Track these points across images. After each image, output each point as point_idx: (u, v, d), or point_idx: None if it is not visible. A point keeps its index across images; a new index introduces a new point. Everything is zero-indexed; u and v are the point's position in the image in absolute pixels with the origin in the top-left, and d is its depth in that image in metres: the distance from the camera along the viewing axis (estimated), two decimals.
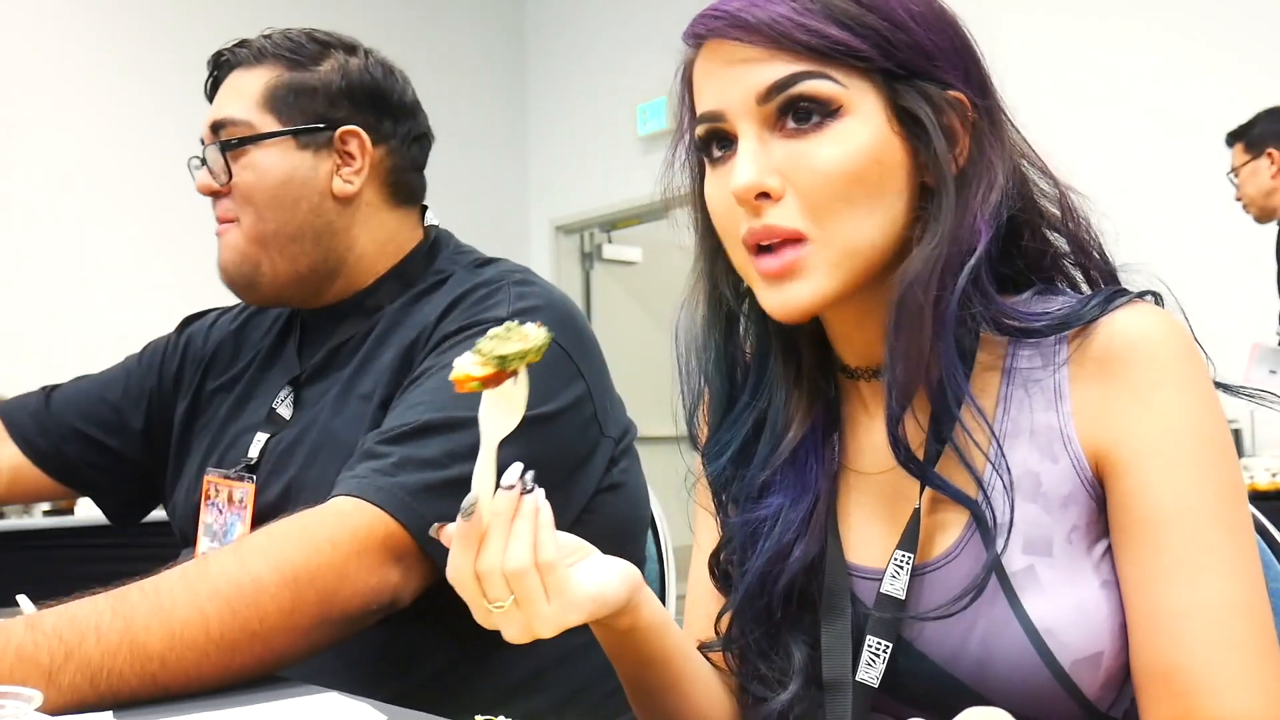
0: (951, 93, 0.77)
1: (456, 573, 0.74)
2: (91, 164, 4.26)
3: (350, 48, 1.25)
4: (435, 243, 1.27)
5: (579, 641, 0.90)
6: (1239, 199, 3.05)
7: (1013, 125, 0.82)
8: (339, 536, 0.94)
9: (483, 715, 0.71)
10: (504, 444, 1.02)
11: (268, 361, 1.30)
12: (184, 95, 4.39)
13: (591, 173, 5.42)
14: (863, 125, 0.75)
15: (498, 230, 5.28)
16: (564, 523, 1.12)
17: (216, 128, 1.20)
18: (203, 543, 1.22)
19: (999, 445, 0.77)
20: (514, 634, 0.75)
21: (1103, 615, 0.74)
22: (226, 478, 1.20)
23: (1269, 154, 2.97)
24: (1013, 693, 0.75)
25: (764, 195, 0.76)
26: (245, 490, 1.17)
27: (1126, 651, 0.75)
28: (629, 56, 5.18)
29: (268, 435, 1.20)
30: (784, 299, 0.77)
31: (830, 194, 0.75)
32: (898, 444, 0.78)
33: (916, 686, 0.79)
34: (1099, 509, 0.76)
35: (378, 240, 1.24)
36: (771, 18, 0.75)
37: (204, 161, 1.21)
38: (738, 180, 0.76)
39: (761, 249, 0.77)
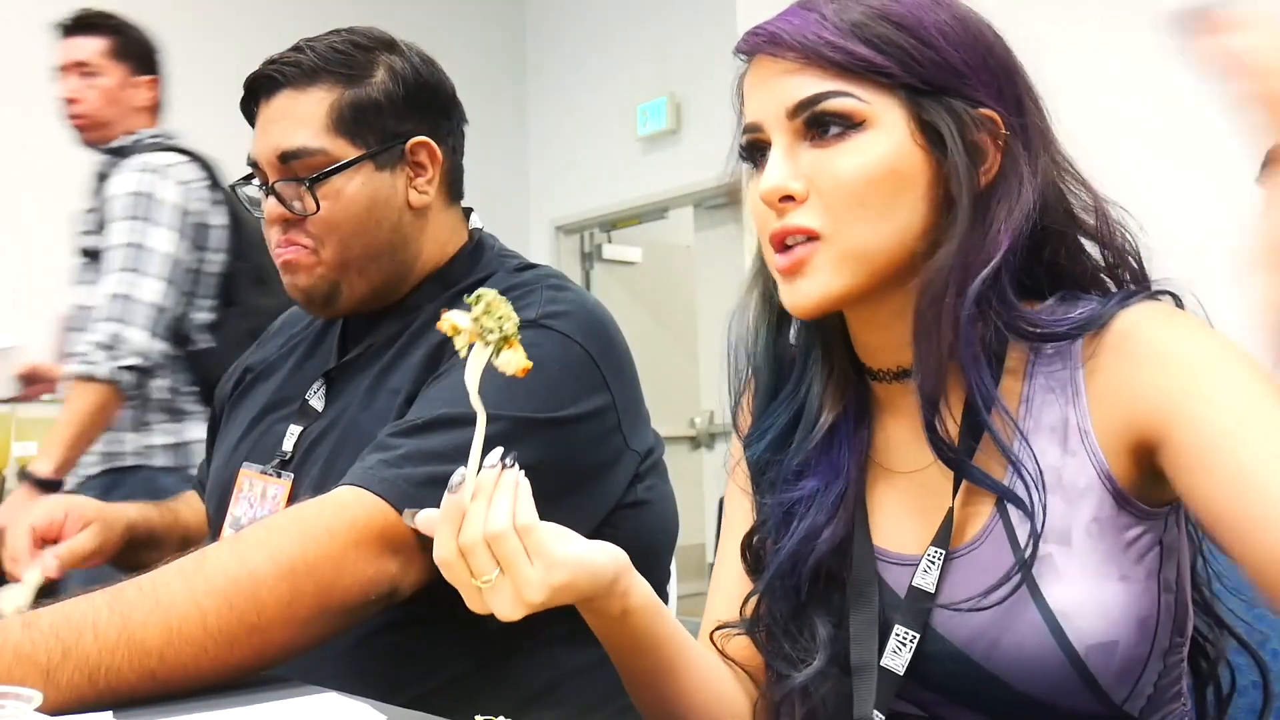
0: (982, 110, 0.81)
1: (442, 550, 0.78)
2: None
3: (389, 45, 1.23)
4: (479, 245, 1.27)
5: (595, 656, 0.90)
6: None
7: (1055, 142, 0.85)
8: (337, 526, 0.94)
9: (482, 716, 0.71)
10: (515, 442, 1.02)
11: (310, 351, 1.31)
12: (195, 94, 4.39)
13: (591, 173, 5.42)
14: (884, 137, 0.80)
15: (498, 230, 5.23)
16: (580, 534, 1.12)
17: (287, 158, 1.16)
18: (226, 534, 1.22)
19: (1024, 440, 0.80)
20: (505, 607, 0.77)
21: (1120, 607, 0.77)
22: (263, 473, 1.20)
23: None
24: (1029, 676, 0.78)
25: (788, 198, 0.81)
26: (280, 489, 1.17)
27: (1143, 645, 0.78)
28: (629, 57, 5.18)
29: (301, 428, 1.20)
30: (794, 295, 0.83)
31: (847, 198, 0.80)
32: (939, 444, 0.82)
33: (937, 670, 0.82)
34: (1116, 502, 0.78)
35: (437, 241, 1.24)
36: (803, 36, 0.82)
37: (270, 191, 1.18)
38: (764, 183, 0.82)
39: (783, 249, 0.82)
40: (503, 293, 1.14)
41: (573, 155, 5.56)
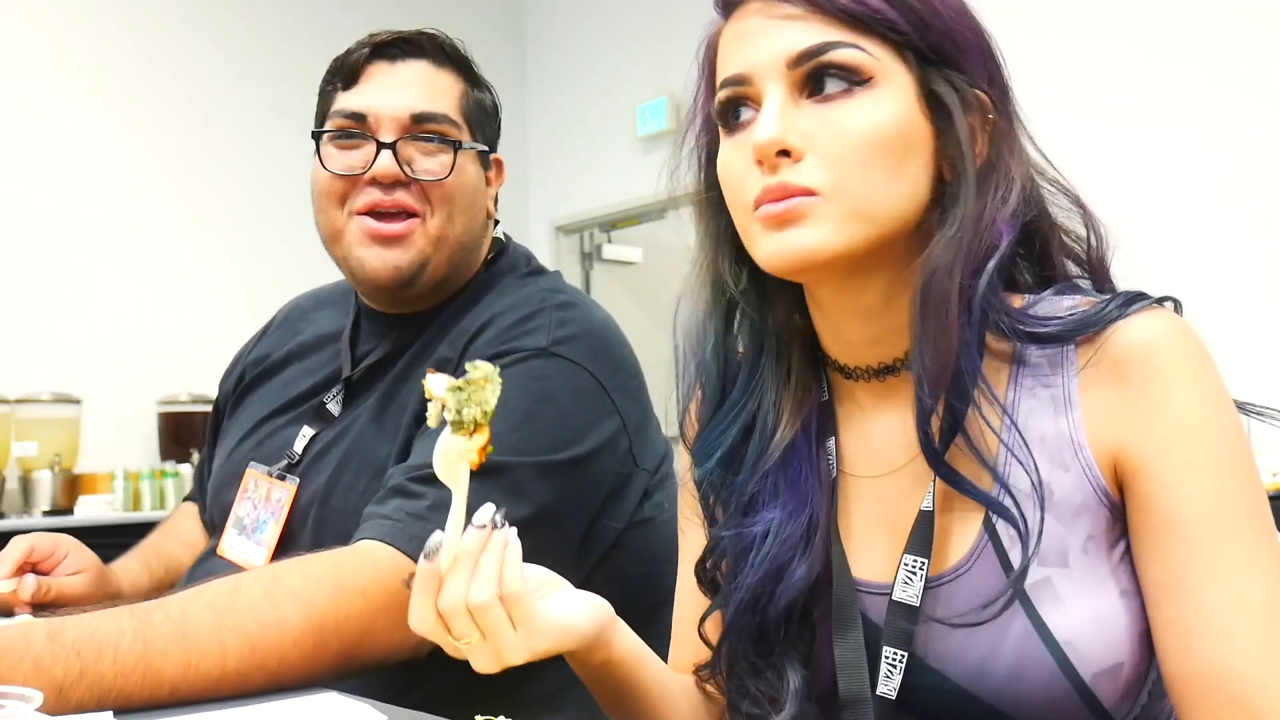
0: (976, 90, 0.77)
1: (418, 617, 0.74)
2: (159, 167, 4.25)
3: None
4: (499, 252, 1.29)
5: None
6: None
7: (1030, 137, 0.82)
8: (371, 588, 0.94)
9: (482, 716, 0.71)
10: (532, 487, 1.02)
11: (320, 352, 1.31)
12: (190, 91, 4.39)
13: (591, 173, 5.42)
14: (892, 98, 0.74)
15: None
16: (592, 558, 1.11)
17: (423, 119, 1.17)
18: (229, 534, 1.22)
19: (1022, 441, 0.75)
20: (484, 665, 0.75)
21: (1122, 625, 0.73)
22: (269, 474, 1.20)
23: None
24: (1033, 707, 0.74)
25: (784, 153, 0.74)
26: (285, 492, 1.17)
27: (1145, 661, 0.74)
28: (629, 57, 5.17)
29: (315, 431, 1.20)
30: (782, 244, 0.74)
31: (852, 157, 0.73)
32: (929, 442, 0.75)
33: (932, 703, 0.77)
34: (1113, 517, 0.74)
35: (483, 251, 1.27)
36: None
37: (383, 146, 1.16)
38: (760, 134, 0.74)
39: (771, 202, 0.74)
40: (506, 310, 1.15)
41: (572, 155, 5.55)
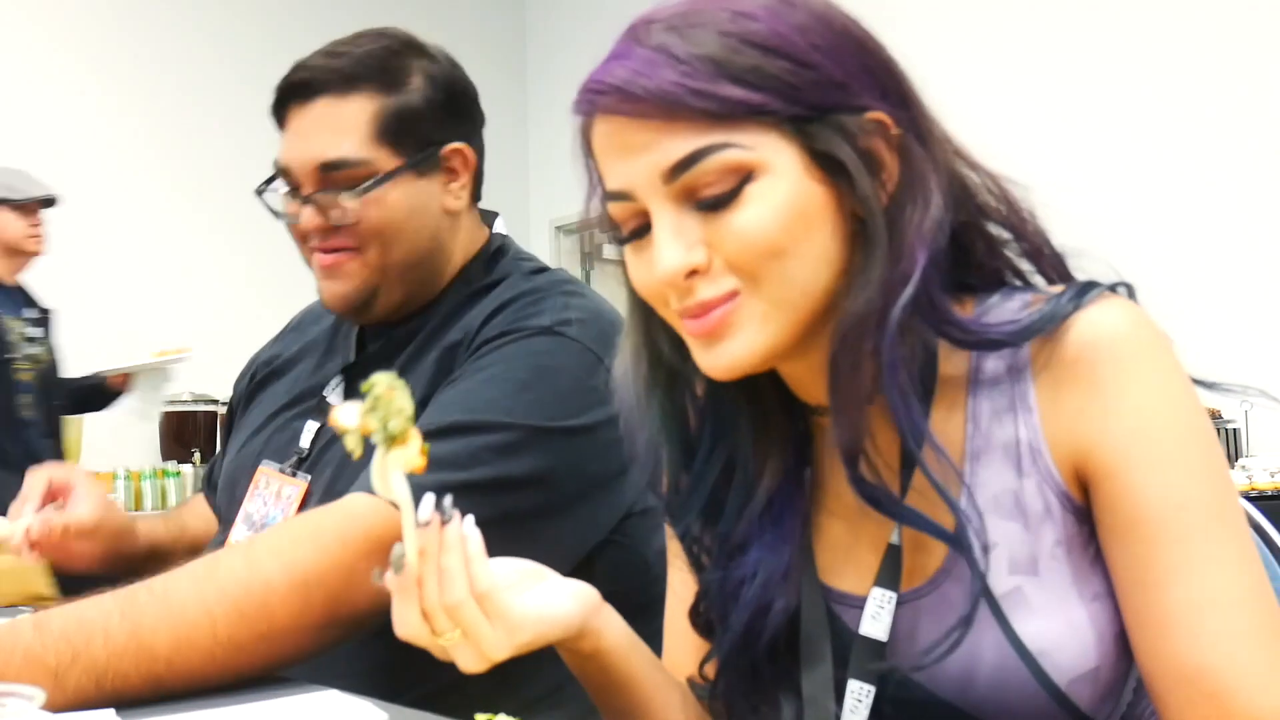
0: (870, 115, 0.72)
1: (404, 626, 0.73)
2: (163, 166, 4.25)
3: (419, 48, 1.21)
4: (499, 249, 1.27)
5: None
6: None
7: (944, 129, 0.78)
8: (350, 536, 0.93)
9: (483, 715, 0.72)
10: (525, 450, 1.02)
11: (329, 348, 1.31)
12: (194, 98, 4.39)
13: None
14: (779, 181, 0.70)
15: None
16: (589, 543, 1.10)
17: (329, 168, 1.14)
18: (238, 529, 1.22)
19: (970, 467, 0.74)
20: (468, 663, 0.74)
21: (1096, 631, 0.72)
22: (281, 471, 1.20)
23: None
24: (1010, 716, 0.73)
25: (693, 273, 0.71)
26: (295, 489, 1.17)
27: (1122, 663, 0.73)
28: None
29: (319, 424, 1.21)
30: (717, 359, 0.73)
31: (758, 254, 0.70)
32: (862, 488, 0.74)
33: (906, 714, 0.77)
34: (1079, 520, 0.73)
35: (463, 244, 1.24)
36: (660, 88, 0.69)
37: (306, 200, 1.15)
38: (664, 266, 0.71)
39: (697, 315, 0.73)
40: (515, 298, 1.15)
41: (573, 155, 5.56)
